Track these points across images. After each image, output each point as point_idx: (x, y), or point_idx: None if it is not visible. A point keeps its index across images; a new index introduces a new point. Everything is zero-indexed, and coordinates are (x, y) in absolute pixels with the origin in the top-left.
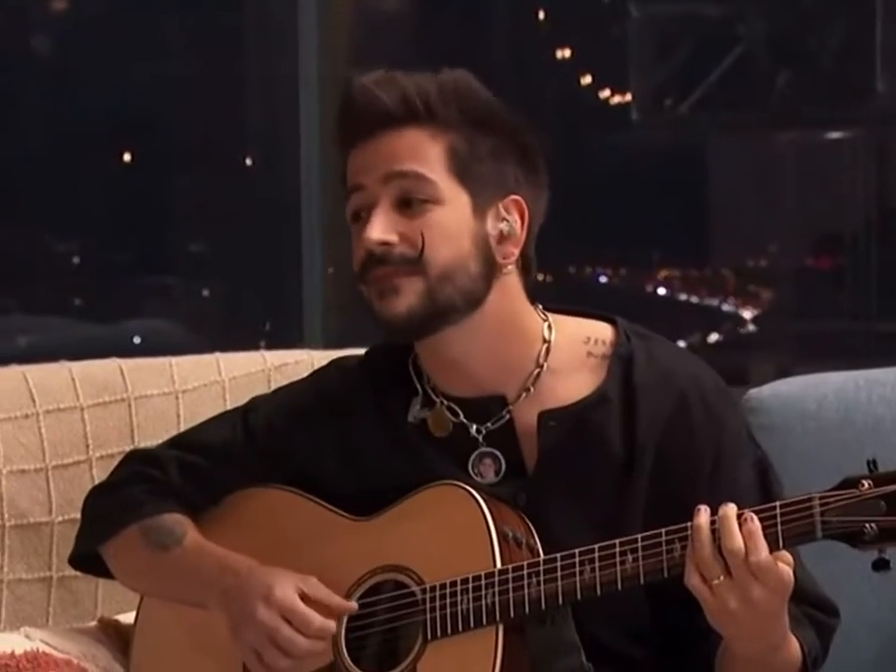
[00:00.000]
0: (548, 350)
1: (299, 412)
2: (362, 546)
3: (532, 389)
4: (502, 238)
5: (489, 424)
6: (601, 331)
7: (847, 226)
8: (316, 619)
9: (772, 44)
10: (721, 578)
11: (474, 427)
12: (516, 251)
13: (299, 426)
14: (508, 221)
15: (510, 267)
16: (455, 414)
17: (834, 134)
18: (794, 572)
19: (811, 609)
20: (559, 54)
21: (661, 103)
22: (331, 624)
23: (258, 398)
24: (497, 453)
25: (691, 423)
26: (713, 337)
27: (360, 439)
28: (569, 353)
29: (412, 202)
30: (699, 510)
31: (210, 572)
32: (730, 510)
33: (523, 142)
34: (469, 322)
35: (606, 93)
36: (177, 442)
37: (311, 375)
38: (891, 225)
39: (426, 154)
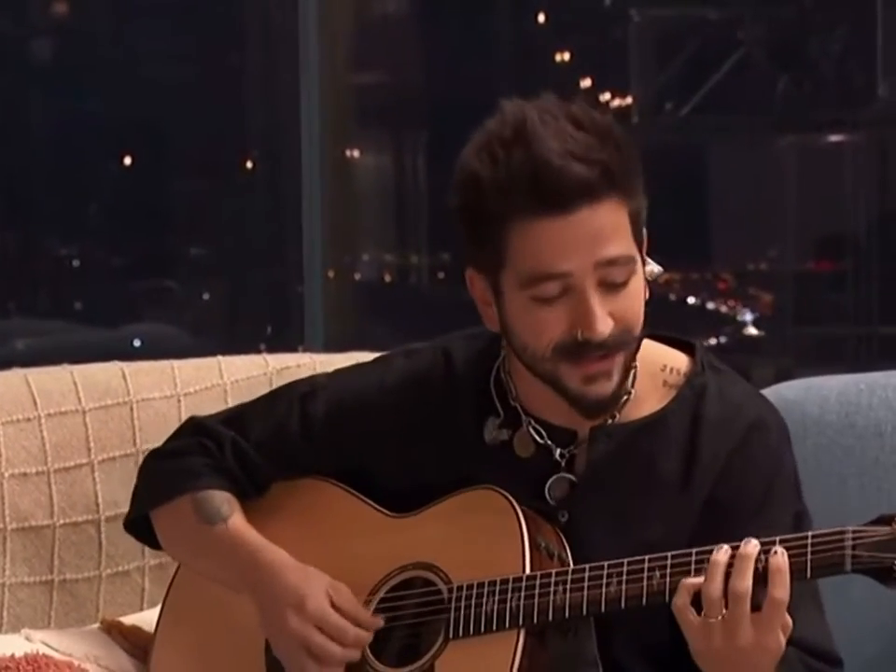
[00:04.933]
0: (634, 377)
1: (360, 406)
2: (395, 542)
3: (618, 416)
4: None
5: (572, 447)
6: (678, 360)
7: (848, 229)
8: (350, 629)
9: (773, 48)
10: (720, 617)
11: (558, 451)
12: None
13: (358, 422)
14: (650, 268)
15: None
16: (540, 435)
17: (835, 138)
18: (806, 620)
19: (811, 658)
20: (559, 57)
21: (661, 106)
22: (365, 635)
23: (316, 378)
24: (572, 477)
25: (749, 462)
26: (714, 340)
27: (422, 446)
28: (648, 380)
29: (613, 282)
30: (721, 547)
31: (244, 562)
32: (751, 548)
33: (644, 190)
34: None
35: (606, 97)
36: (235, 423)
37: (374, 363)
38: (893, 228)
39: (624, 228)
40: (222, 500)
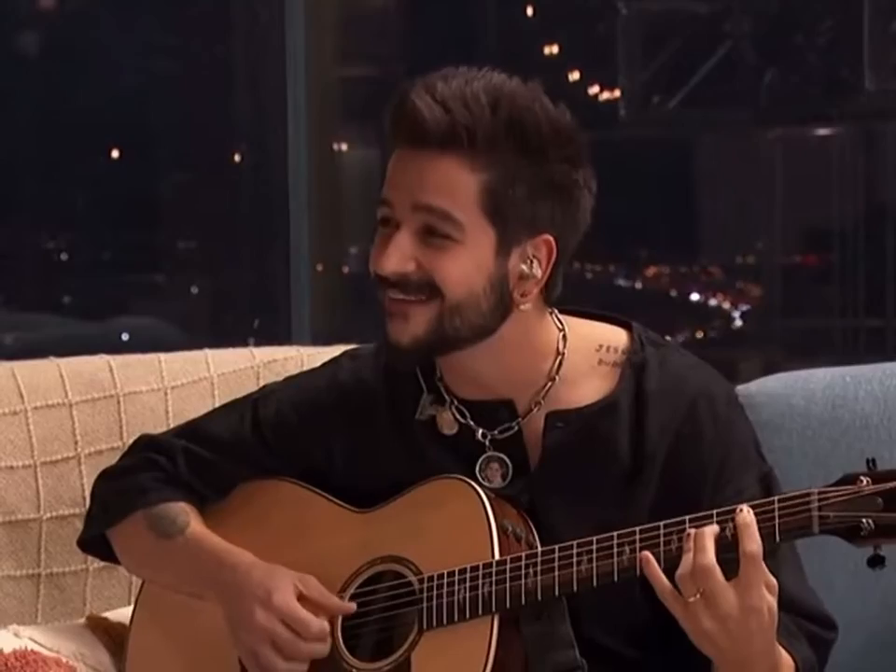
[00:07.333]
0: (560, 363)
1: (310, 406)
2: (363, 537)
3: (542, 403)
4: (522, 277)
5: (496, 432)
6: (615, 338)
7: (834, 222)
8: (315, 622)
9: (760, 41)
10: (697, 596)
11: (480, 431)
12: (535, 290)
13: (309, 421)
14: (532, 262)
15: (526, 304)
16: (463, 416)
17: (822, 131)
18: (792, 585)
19: (807, 622)
20: (547, 50)
21: (649, 99)
22: (328, 626)
23: (269, 385)
24: (504, 457)
25: (699, 432)
26: (701, 333)
27: (371, 434)
28: (581, 361)
29: (435, 233)
30: (688, 535)
31: (208, 566)
32: (709, 530)
33: (566, 178)
34: (481, 345)
35: (594, 90)
36: (186, 432)
37: (323, 366)
38: (879, 221)
39: (459, 189)
40: (177, 512)
